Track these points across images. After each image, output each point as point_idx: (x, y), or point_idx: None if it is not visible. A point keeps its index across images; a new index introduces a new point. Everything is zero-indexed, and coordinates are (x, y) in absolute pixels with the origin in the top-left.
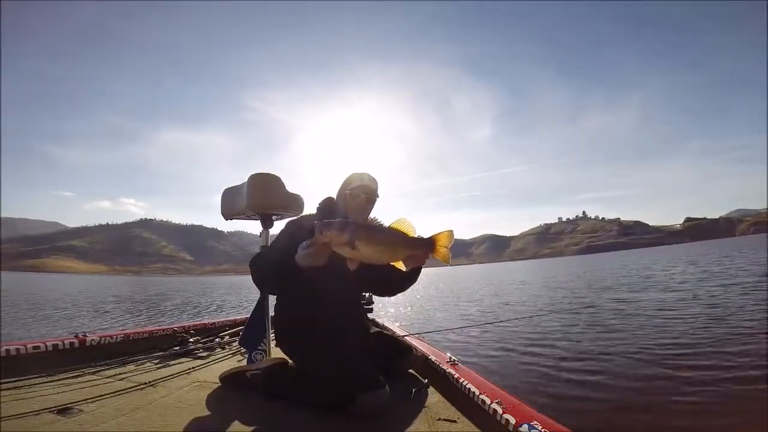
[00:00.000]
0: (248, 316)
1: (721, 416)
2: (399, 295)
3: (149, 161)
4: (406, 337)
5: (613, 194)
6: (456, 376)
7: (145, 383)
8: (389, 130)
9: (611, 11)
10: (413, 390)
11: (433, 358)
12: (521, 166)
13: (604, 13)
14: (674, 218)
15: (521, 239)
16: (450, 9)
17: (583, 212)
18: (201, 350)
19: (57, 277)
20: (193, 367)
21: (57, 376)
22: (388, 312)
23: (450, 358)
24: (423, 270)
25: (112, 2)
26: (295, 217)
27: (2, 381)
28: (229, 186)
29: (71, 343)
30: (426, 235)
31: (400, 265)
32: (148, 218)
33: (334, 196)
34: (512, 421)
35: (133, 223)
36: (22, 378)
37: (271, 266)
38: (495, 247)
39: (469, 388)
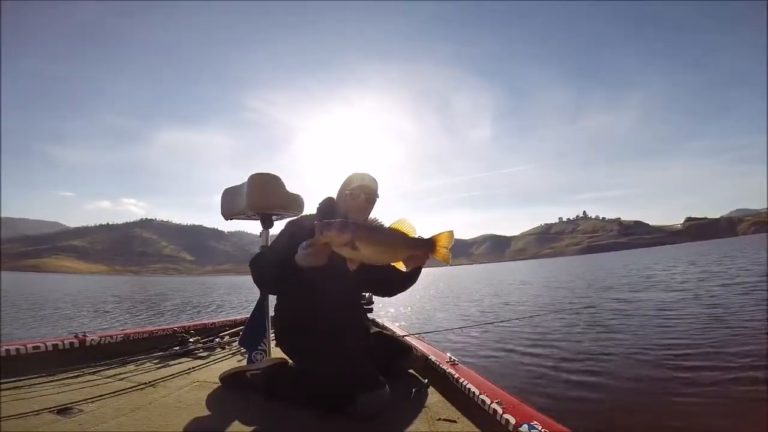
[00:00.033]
0: (248, 316)
1: (722, 417)
2: (399, 295)
3: (150, 161)
4: (406, 337)
5: (614, 194)
6: (456, 376)
7: (145, 383)
8: (389, 130)
9: (611, 11)
10: (413, 390)
11: (433, 358)
12: (522, 166)
13: (605, 13)
14: (675, 218)
15: (522, 239)
16: (450, 9)
17: (584, 212)
18: (201, 350)
19: (57, 277)
20: (193, 367)
21: (57, 376)
22: (388, 312)
23: (450, 358)
24: (423, 270)
25: (112, 2)
26: (295, 217)
27: (2, 381)
28: (229, 186)
29: (71, 343)
30: (426, 236)
31: (401, 266)
32: (148, 218)
33: (334, 196)
34: (512, 421)
35: (133, 223)
36: (22, 378)
37: (271, 266)
38: (495, 247)
39: (469, 388)
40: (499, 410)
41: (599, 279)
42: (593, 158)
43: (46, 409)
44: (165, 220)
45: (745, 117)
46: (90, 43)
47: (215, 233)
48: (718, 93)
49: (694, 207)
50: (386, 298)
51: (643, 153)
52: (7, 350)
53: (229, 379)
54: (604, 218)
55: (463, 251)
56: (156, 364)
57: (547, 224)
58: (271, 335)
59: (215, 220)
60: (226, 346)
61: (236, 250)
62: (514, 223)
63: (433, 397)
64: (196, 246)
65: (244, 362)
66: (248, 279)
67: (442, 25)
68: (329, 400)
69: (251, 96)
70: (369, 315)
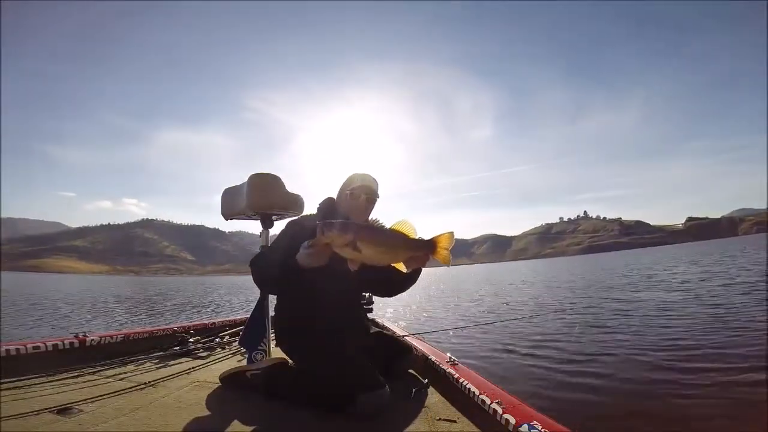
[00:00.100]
0: (248, 316)
1: (722, 418)
2: (399, 295)
3: (150, 161)
4: (406, 337)
5: (615, 194)
6: (456, 376)
7: (145, 383)
8: (390, 130)
9: (612, 11)
10: (413, 390)
11: (433, 358)
12: (522, 166)
13: (605, 14)
14: (676, 218)
15: (523, 239)
16: (450, 9)
17: (585, 212)
18: (201, 350)
19: (58, 277)
20: (193, 367)
21: (57, 376)
22: (388, 312)
23: (450, 358)
24: (423, 270)
25: (112, 2)
26: (296, 218)
27: (2, 381)
28: (229, 186)
29: (71, 343)
30: (427, 237)
31: (401, 267)
32: (149, 218)
33: (335, 197)
34: (512, 421)
35: (134, 223)
36: (22, 378)
37: (271, 266)
38: (496, 247)
39: (469, 388)
40: (499, 410)
41: (600, 279)
42: (594, 158)
43: (46, 409)
44: (166, 220)
45: (745, 117)
46: (90, 43)
47: (216, 233)
48: (719, 93)
49: (695, 207)
50: (386, 298)
51: (643, 153)
52: (7, 350)
53: (229, 379)
54: (605, 218)
55: (464, 251)
56: (156, 364)
57: (548, 224)
58: (271, 335)
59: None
60: (226, 346)
61: (237, 250)
62: (515, 223)
63: (433, 397)
64: (197, 246)
65: (244, 362)
66: (249, 279)
67: (442, 25)
68: (329, 400)
69: (251, 96)
70: (369, 315)
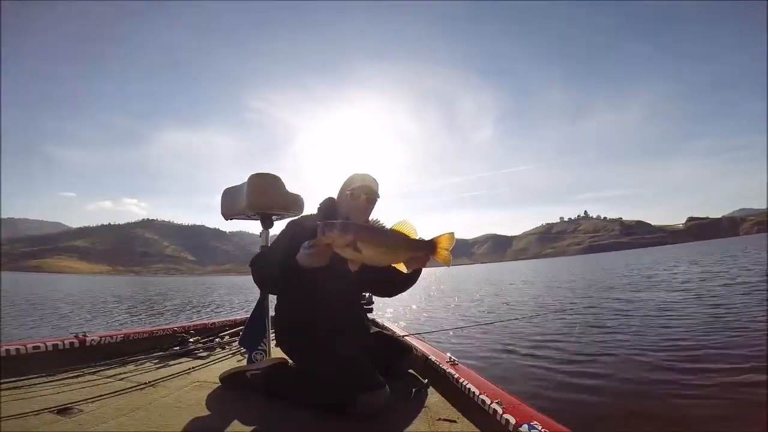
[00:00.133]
0: (248, 316)
1: (722, 419)
2: (399, 295)
3: (151, 161)
4: (406, 337)
5: (615, 194)
6: (456, 376)
7: (145, 383)
8: (391, 130)
9: (612, 11)
10: (413, 390)
11: (433, 358)
12: (523, 166)
13: (605, 14)
14: (676, 218)
15: (523, 239)
16: (452, 9)
17: (585, 212)
18: (201, 350)
19: (58, 277)
20: (193, 367)
21: (57, 376)
22: (388, 312)
23: (450, 358)
24: (423, 270)
25: (112, 2)
26: (296, 218)
27: (2, 381)
28: (230, 186)
29: (71, 343)
30: (427, 237)
31: (402, 267)
32: (150, 218)
33: (335, 197)
34: (512, 421)
35: (135, 223)
36: (22, 378)
37: (272, 266)
38: (497, 247)
39: (469, 388)
40: (499, 410)
41: (600, 279)
42: (594, 158)
43: (46, 409)
44: (166, 220)
45: (745, 117)
46: (90, 43)
47: (217, 233)
48: (719, 93)
49: (695, 207)
50: (386, 298)
51: (644, 153)
52: (7, 350)
53: (229, 379)
54: (605, 218)
55: (465, 251)
56: (156, 364)
57: (548, 224)
58: (271, 335)
59: (216, 221)
60: (226, 346)
61: (237, 250)
62: (515, 223)
63: (433, 397)
64: (197, 246)
65: (244, 362)
66: (249, 279)
67: (444, 25)
68: (329, 400)
69: (252, 96)
70: (369, 315)
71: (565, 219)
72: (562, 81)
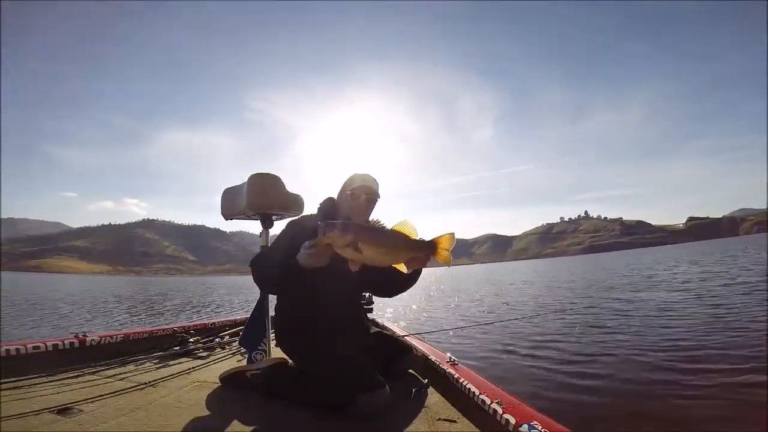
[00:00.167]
0: (248, 316)
1: (722, 419)
2: (399, 295)
3: (151, 161)
4: (406, 337)
5: (615, 194)
6: (456, 376)
7: (145, 383)
8: (391, 130)
9: (612, 11)
10: (413, 390)
11: (433, 358)
12: (523, 166)
13: (605, 14)
14: (677, 218)
15: (523, 239)
16: (452, 9)
17: (585, 212)
18: (201, 350)
19: (59, 277)
20: (193, 367)
21: (57, 376)
22: (388, 312)
23: (450, 358)
24: (424, 270)
25: (112, 2)
26: (296, 218)
27: (2, 381)
28: (230, 186)
29: (71, 343)
30: (427, 238)
31: (402, 267)
32: (150, 218)
33: (336, 197)
34: (512, 421)
35: (135, 223)
36: (22, 378)
37: (272, 266)
38: (497, 247)
39: (469, 388)
40: (499, 410)
41: (600, 279)
42: (595, 158)
43: (46, 409)
44: (167, 220)
45: (745, 117)
46: (90, 43)
47: (217, 233)
48: (719, 93)
49: (695, 207)
50: (387, 298)
51: (644, 153)
52: (7, 350)
53: (229, 379)
54: (605, 218)
55: (465, 251)
56: (156, 364)
57: (548, 224)
58: (271, 335)
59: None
60: (226, 346)
61: (238, 250)
62: (515, 223)
63: (433, 397)
64: (197, 246)
65: (244, 362)
66: (249, 279)
67: (444, 25)
68: (329, 400)
69: (253, 96)
70: (369, 315)
71: (566, 219)
72: (562, 81)
